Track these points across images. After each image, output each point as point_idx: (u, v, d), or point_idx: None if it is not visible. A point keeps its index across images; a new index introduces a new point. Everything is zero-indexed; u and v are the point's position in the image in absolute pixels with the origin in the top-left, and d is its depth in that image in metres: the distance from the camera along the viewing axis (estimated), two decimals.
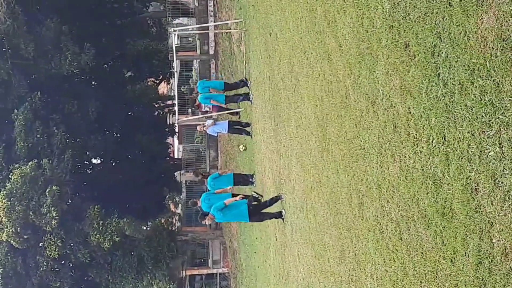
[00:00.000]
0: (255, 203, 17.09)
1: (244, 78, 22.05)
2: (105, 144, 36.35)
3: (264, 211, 16.89)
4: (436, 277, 7.37)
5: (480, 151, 6.16)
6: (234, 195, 17.58)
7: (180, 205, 41.98)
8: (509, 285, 5.81)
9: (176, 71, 37.33)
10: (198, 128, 26.35)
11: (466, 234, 6.56)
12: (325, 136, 12.00)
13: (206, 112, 23.51)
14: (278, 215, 16.68)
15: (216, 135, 25.40)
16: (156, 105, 40.69)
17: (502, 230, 5.86)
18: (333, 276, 11.89)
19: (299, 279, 14.94)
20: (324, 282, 12.63)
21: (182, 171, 37.44)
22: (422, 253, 7.76)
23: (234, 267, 32.43)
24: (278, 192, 17.15)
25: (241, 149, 22.61)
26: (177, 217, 40.84)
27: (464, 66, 6.40)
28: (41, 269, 32.04)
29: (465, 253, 6.59)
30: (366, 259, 9.95)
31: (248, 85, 21.54)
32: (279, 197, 16.61)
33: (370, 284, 9.81)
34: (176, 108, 34.97)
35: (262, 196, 18.74)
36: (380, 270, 9.31)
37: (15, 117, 32.59)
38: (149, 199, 37.42)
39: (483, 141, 6.09)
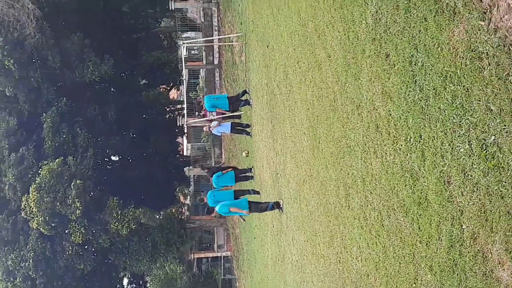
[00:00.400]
0: (256, 201, 17.16)
1: (246, 89, 22.08)
2: (122, 143, 36.33)
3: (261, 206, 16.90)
4: (413, 258, 7.39)
5: (452, 148, 6.17)
6: (236, 192, 17.59)
7: (188, 197, 41.89)
8: (477, 265, 5.82)
9: (185, 79, 37.36)
10: (204, 129, 26.39)
11: (439, 221, 6.57)
12: (315, 135, 12.01)
13: (211, 121, 23.51)
14: (274, 205, 16.64)
15: (220, 135, 25.45)
16: (167, 109, 40.63)
17: (471, 217, 5.88)
18: (323, 258, 11.91)
19: (293, 261, 14.95)
20: (315, 264, 12.64)
21: (190, 167, 37.38)
22: (401, 237, 7.77)
23: (236, 251, 32.42)
24: (275, 189, 17.13)
25: (244, 155, 22.47)
26: (186, 207, 40.79)
27: (437, 73, 6.41)
28: (67, 253, 32.03)
29: (439, 237, 6.61)
30: (352, 243, 9.96)
31: (248, 92, 21.55)
32: (279, 207, 16.53)
33: (355, 265, 9.82)
34: (185, 111, 35.03)
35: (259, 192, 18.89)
36: (364, 253, 9.33)
37: (44, 119, 32.59)
38: (161, 191, 37.37)
39: (454, 139, 6.11)
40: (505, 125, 5.19)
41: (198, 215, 37.86)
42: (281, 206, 16.25)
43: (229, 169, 21.02)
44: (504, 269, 5.36)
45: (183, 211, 39.66)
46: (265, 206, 16.64)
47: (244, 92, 21.94)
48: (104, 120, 34.38)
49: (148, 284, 39.42)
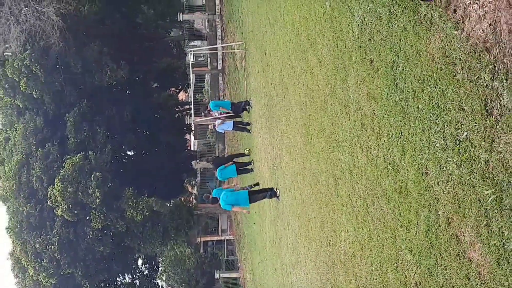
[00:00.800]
0: (255, 188, 17.16)
1: (248, 101, 22.01)
2: (137, 139, 36.34)
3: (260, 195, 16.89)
4: (395, 241, 7.40)
5: (429, 143, 6.18)
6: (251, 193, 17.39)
7: (195, 187, 41.99)
8: (451, 247, 5.84)
9: (192, 83, 37.36)
10: (209, 126, 26.44)
11: (418, 208, 6.58)
12: (308, 132, 12.01)
13: (215, 119, 23.54)
14: (271, 192, 16.59)
15: (223, 132, 25.50)
16: (176, 109, 40.64)
17: (446, 204, 5.89)
18: (315, 241, 11.93)
19: (289, 243, 14.98)
20: (308, 246, 12.66)
21: (197, 160, 37.45)
22: (383, 222, 7.78)
23: (238, 235, 32.48)
24: (272, 179, 17.15)
25: (246, 152, 22.42)
26: (193, 196, 40.89)
27: (416, 77, 6.41)
28: (88, 237, 32.07)
29: (417, 222, 6.62)
30: (340, 227, 9.98)
31: (250, 104, 21.52)
32: (276, 195, 16.52)
33: (343, 247, 9.84)
34: (192, 111, 35.04)
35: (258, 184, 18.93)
36: (351, 236, 9.34)
37: (67, 119, 32.60)
38: (171, 182, 37.41)
39: (431, 135, 6.12)
40: (476, 123, 5.20)
41: (204, 203, 37.93)
42: (278, 194, 16.24)
43: (231, 163, 21.09)
44: (475, 250, 5.37)
45: (191, 199, 39.75)
46: (264, 196, 16.65)
47: (247, 102, 21.90)
48: (120, 119, 34.39)
49: (160, 265, 39.48)
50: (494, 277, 5.03)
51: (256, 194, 16.57)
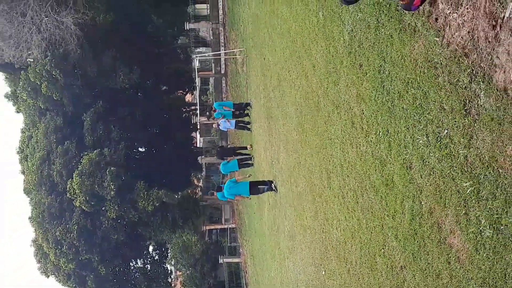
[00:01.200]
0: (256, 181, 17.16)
1: (249, 102, 22.02)
2: (148, 137, 36.34)
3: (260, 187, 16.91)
4: (382, 229, 7.41)
5: (413, 140, 6.18)
6: (252, 184, 17.32)
7: (201, 180, 41.98)
8: (433, 234, 5.84)
9: (197, 85, 37.38)
10: (213, 125, 26.45)
11: (403, 199, 6.59)
12: (303, 130, 12.01)
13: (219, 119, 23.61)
14: (269, 185, 16.60)
15: (226, 130, 25.51)
16: (183, 110, 40.63)
17: (428, 195, 5.90)
18: (310, 229, 11.94)
19: (285, 231, 14.98)
20: (303, 233, 12.67)
21: (202, 156, 37.46)
22: (372, 212, 7.79)
23: (239, 223, 32.49)
24: (271, 173, 17.15)
25: (248, 148, 22.36)
26: (199, 189, 40.89)
27: (401, 80, 6.41)
28: (104, 226, 32.11)
29: (402, 212, 6.63)
30: (332, 217, 9.98)
31: (251, 105, 21.51)
32: (273, 189, 16.60)
33: (335, 234, 9.85)
34: (198, 111, 35.03)
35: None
36: (343, 224, 9.35)
37: (84, 118, 32.61)
38: (179, 176, 37.43)
39: (415, 133, 6.12)
40: (455, 121, 5.20)
41: (208, 195, 38.01)
42: (274, 187, 16.24)
43: (233, 158, 21.14)
44: (455, 237, 5.38)
45: (197, 192, 39.76)
46: (263, 190, 16.69)
47: (247, 104, 21.94)
48: (133, 119, 34.40)
49: (169, 251, 39.47)
50: (472, 261, 5.04)
51: (256, 186, 16.63)
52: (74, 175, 30.52)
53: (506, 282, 4.50)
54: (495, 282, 4.66)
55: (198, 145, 43.42)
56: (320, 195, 10.81)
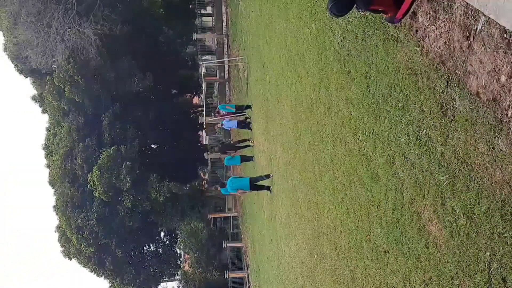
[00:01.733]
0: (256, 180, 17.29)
1: (249, 105, 22.02)
2: (159, 135, 36.33)
3: (259, 184, 17.05)
4: (368, 217, 7.41)
5: (395, 138, 6.18)
6: (251, 180, 17.37)
7: (207, 174, 41.95)
8: (413, 222, 5.84)
9: (204, 89, 37.33)
10: (217, 125, 26.52)
11: (386, 191, 6.59)
12: (298, 129, 12.01)
13: (223, 118, 23.68)
14: (267, 188, 16.89)
15: (229, 129, 25.52)
16: (191, 111, 40.63)
17: (409, 188, 5.90)
18: (303, 218, 11.94)
19: (282, 219, 14.98)
20: (298, 221, 12.67)
21: (208, 152, 37.46)
22: (359, 202, 7.79)
23: (241, 212, 32.49)
24: (269, 167, 17.15)
25: (250, 144, 22.38)
26: (205, 181, 40.87)
27: (385, 85, 6.41)
28: (120, 214, 32.14)
29: (386, 202, 6.63)
30: (324, 206, 9.99)
31: (251, 107, 21.53)
32: (269, 189, 16.81)
33: (326, 221, 9.84)
34: (204, 112, 34.99)
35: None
36: (333, 213, 9.35)
37: (103, 119, 32.61)
38: (187, 170, 37.45)
39: (397, 132, 6.11)
40: (433, 122, 5.19)
41: (213, 186, 38.00)
42: (271, 189, 16.46)
43: (237, 153, 21.30)
44: (432, 225, 5.38)
45: (203, 184, 39.76)
46: (261, 181, 16.81)
47: (248, 106, 21.97)
48: (146, 119, 34.42)
49: (178, 236, 39.51)
50: (448, 246, 5.04)
51: (255, 183, 16.77)
52: (94, 169, 30.54)
53: (478, 264, 4.50)
54: (468, 265, 4.66)
55: (204, 143, 43.42)
56: (312, 187, 10.81)
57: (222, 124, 22.49)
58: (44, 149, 36.61)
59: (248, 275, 29.90)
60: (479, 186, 4.46)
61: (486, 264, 4.36)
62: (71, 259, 35.19)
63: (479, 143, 4.41)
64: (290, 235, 13.78)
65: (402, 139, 5.97)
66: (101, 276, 36.13)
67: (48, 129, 36.60)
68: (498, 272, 4.21)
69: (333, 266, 9.47)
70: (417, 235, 5.74)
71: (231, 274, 32.77)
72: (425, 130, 5.39)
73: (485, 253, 4.38)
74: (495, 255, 4.24)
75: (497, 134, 4.15)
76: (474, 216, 4.53)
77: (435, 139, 5.19)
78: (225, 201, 39.49)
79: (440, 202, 5.14)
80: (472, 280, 4.59)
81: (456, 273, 4.88)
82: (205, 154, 37.68)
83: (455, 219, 4.85)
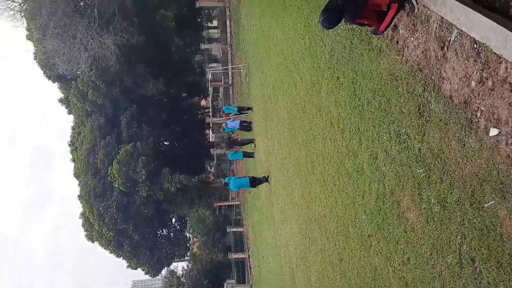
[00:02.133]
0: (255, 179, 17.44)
1: (250, 107, 21.93)
2: (171, 134, 36.33)
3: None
4: (354, 206, 7.41)
5: (378, 136, 6.17)
6: (251, 180, 17.46)
7: (213, 167, 41.95)
8: (394, 210, 5.84)
9: (210, 93, 37.26)
10: (222, 125, 26.48)
11: (370, 182, 6.58)
12: (293, 128, 12.00)
13: (228, 117, 23.71)
14: (265, 180, 16.98)
15: (232, 128, 25.41)
16: (199, 112, 40.58)
17: (390, 180, 5.89)
18: (297, 206, 11.94)
19: (278, 207, 14.99)
20: (292, 209, 12.67)
21: (214, 148, 37.45)
22: (346, 192, 7.79)
23: (243, 201, 32.48)
24: (267, 162, 17.14)
25: (252, 148, 22.14)
26: (211, 174, 40.88)
27: (370, 89, 6.40)
28: (137, 202, 32.15)
29: (370, 192, 6.62)
30: (315, 196, 9.99)
31: (251, 109, 21.49)
32: (267, 180, 16.89)
33: (317, 209, 9.84)
34: (210, 113, 34.91)
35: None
36: (323, 202, 9.35)
37: (121, 119, 32.59)
38: (196, 164, 37.44)
39: (380, 131, 6.11)
40: (412, 122, 5.19)
41: (218, 179, 37.99)
42: (268, 179, 16.47)
43: (240, 149, 21.33)
44: (410, 212, 5.38)
45: (210, 176, 39.76)
46: (260, 182, 17.14)
47: (249, 108, 21.92)
48: (160, 119, 34.40)
49: (188, 222, 39.55)
50: (424, 231, 5.05)
51: (255, 182, 17.09)
52: (113, 163, 30.52)
53: (450, 247, 4.51)
54: (442, 247, 4.67)
55: (210, 140, 43.42)
56: (305, 179, 10.81)
57: (226, 124, 22.43)
58: (70, 145, 36.60)
59: (248, 256, 29.94)
60: (451, 178, 4.46)
61: (457, 247, 4.37)
62: (93, 242, 35.23)
63: (451, 140, 4.42)
64: (285, 221, 13.79)
65: (384, 137, 5.96)
66: (119, 257, 36.20)
67: (73, 128, 36.57)
68: (467, 253, 4.22)
69: (323, 248, 9.48)
70: (397, 221, 5.74)
71: (234, 255, 32.81)
72: (404, 129, 5.39)
73: (457, 236, 4.38)
74: (465, 239, 4.25)
75: (467, 133, 4.15)
76: (447, 205, 4.54)
77: (413, 137, 5.19)
78: (229, 192, 39.50)
79: (417, 192, 5.15)
80: (445, 260, 4.60)
81: (431, 254, 4.89)
82: (211, 150, 37.67)
83: (430, 207, 4.86)
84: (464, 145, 4.21)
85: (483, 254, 3.98)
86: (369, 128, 6.50)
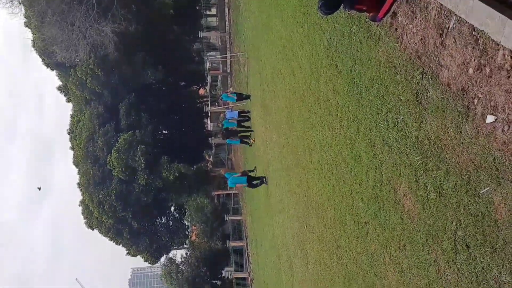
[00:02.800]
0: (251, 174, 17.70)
1: (249, 95, 21.82)
2: (170, 122, 36.29)
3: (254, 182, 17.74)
4: (351, 193, 7.44)
5: (376, 124, 6.17)
6: (248, 178, 17.78)
7: (211, 156, 41.95)
8: (390, 197, 5.87)
9: (208, 82, 37.13)
10: (221, 115, 26.46)
11: (368, 170, 6.60)
12: (291, 117, 11.98)
13: (227, 107, 23.67)
14: (262, 182, 17.41)
15: (231, 118, 25.26)
16: (197, 101, 40.49)
17: (387, 167, 5.91)
18: (295, 194, 11.97)
19: (276, 196, 15.02)
20: (290, 198, 12.71)
21: (212, 137, 37.43)
22: (343, 180, 7.81)
23: (241, 190, 32.53)
24: (265, 150, 17.15)
25: (252, 141, 21.85)
26: (209, 163, 40.89)
27: (368, 77, 6.39)
28: (135, 191, 32.23)
29: (367, 180, 6.65)
30: (313, 184, 10.01)
31: (249, 98, 21.40)
32: (264, 181, 17.20)
33: (315, 197, 9.88)
34: (209, 102, 34.84)
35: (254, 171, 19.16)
36: (321, 190, 9.38)
37: (120, 107, 32.53)
38: (194, 153, 37.43)
39: (378, 119, 6.11)
40: (409, 109, 5.19)
41: (217, 168, 38.04)
42: (265, 180, 16.69)
43: (238, 138, 21.40)
44: (407, 199, 5.41)
45: (208, 165, 39.79)
46: (256, 184, 17.65)
47: (248, 96, 21.85)
48: (158, 107, 34.34)
49: (186, 210, 39.67)
50: (420, 217, 5.08)
51: (252, 181, 17.59)
52: (112, 151, 30.54)
53: (445, 233, 4.54)
54: (437, 234, 4.70)
55: (209, 129, 43.37)
56: (303, 167, 10.83)
57: (225, 114, 22.39)
58: (69, 133, 36.56)
59: (246, 244, 30.12)
60: (448, 165, 4.48)
61: (453, 233, 4.40)
62: (93, 229, 35.39)
63: (448, 127, 4.42)
64: (283, 210, 13.85)
65: (382, 125, 5.97)
66: (119, 244, 36.40)
67: (72, 116, 36.51)
68: (463, 239, 4.25)
69: (320, 236, 9.54)
70: (393, 208, 5.78)
71: (232, 243, 33.00)
72: (402, 117, 5.39)
73: (452, 223, 4.41)
74: (461, 225, 4.28)
75: (464, 120, 4.15)
76: (443, 191, 4.56)
77: (410, 125, 5.19)
78: (227, 180, 39.58)
79: (414, 180, 5.16)
80: (440, 246, 4.64)
81: (427, 240, 4.93)
82: (210, 139, 37.66)
83: (427, 194, 4.88)
84: (461, 132, 4.22)
85: (477, 240, 4.02)
86: (367, 116, 6.50)
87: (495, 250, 3.79)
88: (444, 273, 4.60)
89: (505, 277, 3.67)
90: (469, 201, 4.13)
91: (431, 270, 4.86)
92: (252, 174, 18.61)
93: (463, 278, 4.26)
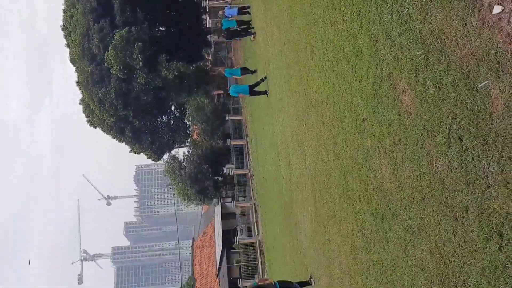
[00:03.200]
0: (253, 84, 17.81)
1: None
2: (167, 19, 34.94)
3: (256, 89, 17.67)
4: (351, 90, 7.46)
5: (380, 18, 5.97)
6: (250, 87, 17.59)
7: (210, 55, 41.17)
8: (389, 93, 5.89)
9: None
10: (220, 12, 25.23)
11: (368, 66, 6.56)
12: (292, 12, 11.51)
13: (226, 1, 22.54)
14: (264, 92, 17.28)
15: (230, 16, 23.61)
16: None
17: (388, 63, 5.87)
18: (296, 92, 11.95)
19: (277, 95, 15.02)
20: (290, 96, 12.72)
21: (211, 35, 36.42)
22: (343, 78, 7.79)
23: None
24: (266, 48, 16.79)
25: (252, 39, 20.72)
26: (209, 62, 40.26)
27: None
28: (135, 89, 32.22)
29: (367, 76, 6.64)
30: (313, 82, 9.96)
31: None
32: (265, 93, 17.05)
33: (314, 95, 9.88)
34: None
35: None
36: (321, 88, 9.38)
37: (114, 1, 31.09)
38: (193, 51, 36.69)
39: (382, 12, 5.88)
40: (415, 1, 5.00)
41: (216, 67, 37.61)
42: (267, 93, 16.77)
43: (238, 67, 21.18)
44: (406, 95, 5.45)
45: (208, 64, 39.24)
46: (257, 92, 17.60)
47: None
48: (154, 2, 32.94)
49: (187, 110, 40.03)
50: (417, 113, 5.16)
51: (253, 88, 17.54)
52: (109, 49, 29.94)
53: (440, 127, 4.66)
54: (432, 128, 4.82)
55: (207, 26, 41.98)
56: (304, 65, 10.71)
57: (224, 12, 21.41)
58: (63, 29, 35.51)
59: (247, 143, 30.93)
60: (449, 59, 4.44)
61: (447, 127, 4.52)
62: (95, 127, 36.07)
63: (453, 19, 4.30)
64: (283, 108, 13.98)
65: (386, 18, 5.79)
66: (122, 142, 37.37)
67: (64, 11, 35.15)
68: (456, 132, 4.37)
69: (318, 133, 9.77)
70: (392, 104, 5.84)
71: (232, 142, 33.82)
72: (407, 9, 5.21)
73: (448, 117, 4.50)
74: (456, 119, 4.37)
75: (470, 11, 4.03)
76: (442, 86, 4.58)
77: (415, 18, 5.04)
78: (227, 80, 39.36)
79: (414, 75, 5.16)
80: (434, 140, 4.78)
81: (421, 135, 5.07)
82: (208, 36, 36.66)
83: (426, 89, 4.91)
84: (465, 24, 4.11)
85: (471, 133, 4.13)
86: (371, 9, 6.28)
87: (486, 142, 3.92)
88: (436, 165, 4.80)
89: (493, 167, 3.85)
90: (467, 95, 4.17)
91: (423, 162, 5.07)
92: (251, 69, 18.51)
93: (453, 169, 4.47)
